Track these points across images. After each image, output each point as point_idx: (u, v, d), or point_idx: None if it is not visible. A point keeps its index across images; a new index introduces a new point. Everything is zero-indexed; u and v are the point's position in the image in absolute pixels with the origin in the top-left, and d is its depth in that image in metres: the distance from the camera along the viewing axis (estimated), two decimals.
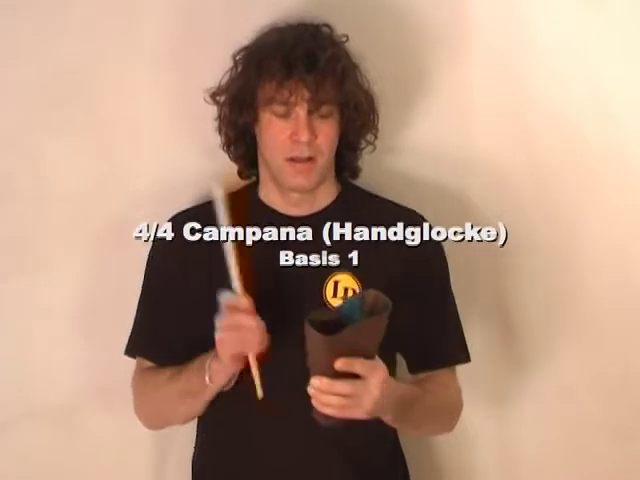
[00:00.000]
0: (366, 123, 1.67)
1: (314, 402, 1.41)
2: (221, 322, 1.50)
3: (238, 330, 1.48)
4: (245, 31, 1.66)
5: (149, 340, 1.70)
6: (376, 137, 1.71)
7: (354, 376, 1.40)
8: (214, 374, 1.55)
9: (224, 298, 1.50)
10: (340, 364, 1.38)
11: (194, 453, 1.76)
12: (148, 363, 1.70)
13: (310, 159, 1.58)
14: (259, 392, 1.51)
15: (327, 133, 1.59)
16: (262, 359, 1.51)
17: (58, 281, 1.84)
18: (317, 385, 1.39)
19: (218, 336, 1.50)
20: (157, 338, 1.68)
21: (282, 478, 1.64)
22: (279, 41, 1.58)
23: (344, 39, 1.65)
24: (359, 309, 1.42)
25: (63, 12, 1.77)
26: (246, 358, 1.52)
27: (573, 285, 1.94)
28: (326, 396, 1.40)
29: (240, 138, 1.67)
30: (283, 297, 1.61)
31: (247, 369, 1.53)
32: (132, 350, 1.71)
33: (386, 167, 1.84)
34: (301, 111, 1.56)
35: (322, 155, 1.60)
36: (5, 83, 1.79)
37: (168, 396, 1.63)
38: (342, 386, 1.39)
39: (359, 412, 1.42)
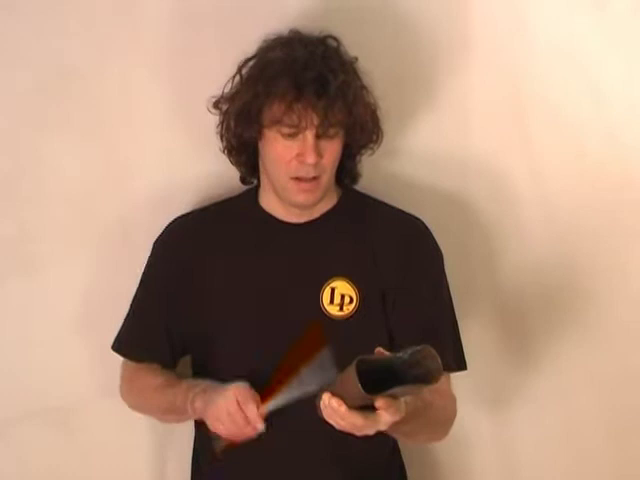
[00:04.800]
0: (370, 139, 1.67)
1: (324, 413, 1.39)
2: (232, 411, 1.50)
3: (238, 431, 1.51)
4: (247, 33, 1.65)
5: (136, 343, 1.72)
6: (377, 145, 1.70)
7: (370, 408, 1.37)
8: (194, 412, 1.59)
9: (247, 403, 1.50)
10: (380, 404, 1.33)
11: (193, 453, 1.77)
12: None
13: (314, 178, 1.58)
14: (218, 452, 1.57)
15: (332, 152, 1.59)
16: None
17: (58, 281, 1.84)
18: (335, 408, 1.36)
19: (219, 415, 1.52)
20: (145, 342, 1.70)
21: (280, 476, 1.65)
22: (288, 59, 1.56)
23: (354, 60, 1.63)
24: (409, 359, 1.35)
25: (63, 12, 1.76)
26: None
27: (572, 286, 1.94)
28: (337, 418, 1.38)
29: (242, 148, 1.67)
30: (280, 303, 1.61)
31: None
32: (118, 349, 1.74)
33: (385, 171, 1.84)
34: (309, 135, 1.55)
35: (326, 173, 1.60)
36: (5, 83, 1.78)
37: (154, 405, 1.69)
38: (356, 419, 1.36)
39: (361, 434, 1.41)
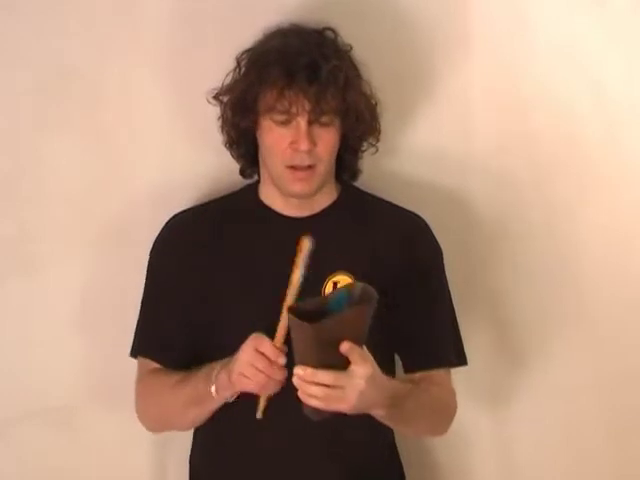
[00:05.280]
0: (367, 130, 1.67)
1: (300, 394, 1.41)
2: (253, 360, 1.48)
3: (261, 376, 1.48)
4: (247, 31, 1.66)
5: (153, 341, 1.69)
6: (378, 140, 1.71)
7: (339, 368, 1.39)
8: (220, 388, 1.55)
9: (263, 343, 1.48)
10: (345, 346, 1.37)
11: (191, 452, 1.76)
12: (152, 365, 1.69)
13: (310, 167, 1.59)
14: (259, 413, 1.54)
15: (327, 141, 1.59)
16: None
17: (58, 281, 1.84)
18: (300, 374, 1.39)
19: (243, 370, 1.49)
20: (161, 339, 1.68)
21: (278, 477, 1.65)
22: (282, 47, 1.58)
23: (348, 48, 1.64)
24: (346, 300, 1.43)
25: (63, 12, 1.77)
26: None
27: (571, 285, 1.95)
28: (310, 386, 1.39)
29: (241, 139, 1.67)
30: (281, 298, 1.61)
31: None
32: (137, 351, 1.71)
33: (385, 168, 1.84)
34: (302, 121, 1.56)
35: (322, 162, 1.60)
36: (5, 83, 1.78)
37: (174, 403, 1.63)
38: (325, 375, 1.39)
39: (345, 405, 1.42)
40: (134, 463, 1.90)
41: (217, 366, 1.55)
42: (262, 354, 1.47)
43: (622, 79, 1.89)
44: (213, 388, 1.55)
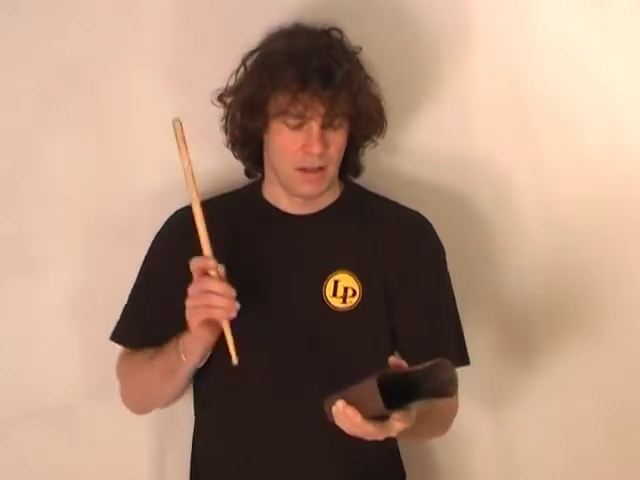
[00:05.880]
0: (375, 130, 1.67)
1: (336, 419, 1.38)
2: (190, 290, 1.49)
3: (206, 296, 1.48)
4: (248, 30, 1.66)
5: (134, 330, 1.70)
6: (380, 136, 1.71)
7: (382, 419, 1.37)
8: (187, 350, 1.55)
9: (194, 261, 1.50)
10: (397, 417, 1.34)
11: (192, 452, 1.76)
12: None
13: (320, 168, 1.59)
14: (234, 359, 1.51)
15: (338, 143, 1.59)
16: (233, 326, 1.51)
17: (57, 281, 1.84)
18: (350, 417, 1.35)
19: (187, 304, 1.50)
20: (142, 329, 1.68)
21: (278, 475, 1.65)
22: (292, 49, 1.57)
23: (357, 50, 1.64)
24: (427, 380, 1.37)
25: (63, 12, 1.77)
26: (215, 326, 1.52)
27: (572, 285, 1.94)
28: (351, 426, 1.37)
29: (247, 140, 1.67)
30: (283, 295, 1.61)
31: (219, 345, 1.54)
32: (116, 337, 1.71)
33: (387, 168, 1.85)
34: (315, 124, 1.55)
35: (332, 163, 1.61)
36: (5, 82, 1.78)
37: (150, 376, 1.64)
38: (369, 427, 1.36)
39: (368, 438, 1.40)
40: (134, 462, 1.90)
41: (182, 335, 1.56)
42: (200, 275, 1.49)
43: (622, 79, 1.89)
44: (182, 354, 1.55)
